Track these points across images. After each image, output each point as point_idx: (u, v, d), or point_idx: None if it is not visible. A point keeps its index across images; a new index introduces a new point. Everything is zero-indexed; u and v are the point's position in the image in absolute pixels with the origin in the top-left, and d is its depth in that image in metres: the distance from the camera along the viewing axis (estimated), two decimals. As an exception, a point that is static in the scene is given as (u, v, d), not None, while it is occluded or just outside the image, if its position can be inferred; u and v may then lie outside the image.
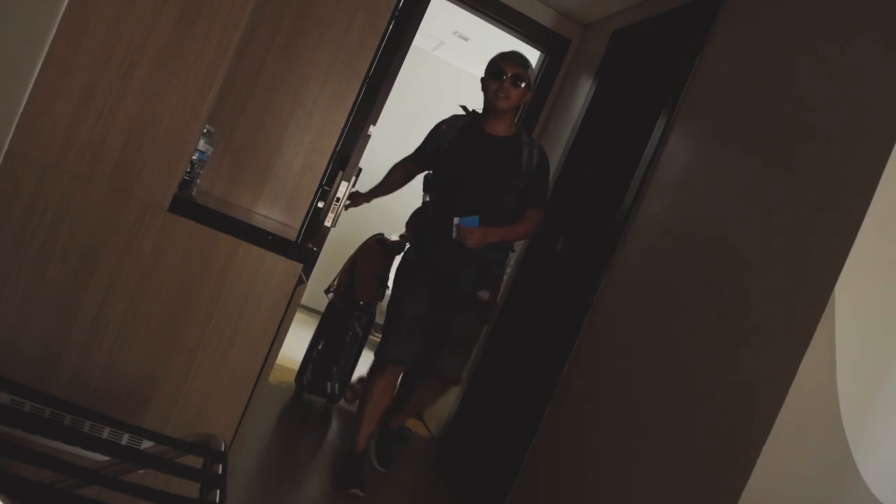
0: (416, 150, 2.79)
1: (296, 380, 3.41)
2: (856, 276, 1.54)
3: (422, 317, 2.60)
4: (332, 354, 3.37)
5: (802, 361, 1.54)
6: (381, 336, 2.70)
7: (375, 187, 2.89)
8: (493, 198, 2.56)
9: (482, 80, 2.62)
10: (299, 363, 3.40)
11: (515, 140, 2.61)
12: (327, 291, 3.50)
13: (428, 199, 2.75)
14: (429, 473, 3.13)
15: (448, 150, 2.61)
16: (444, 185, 2.63)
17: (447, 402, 3.41)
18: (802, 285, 1.62)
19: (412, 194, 5.74)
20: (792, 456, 1.56)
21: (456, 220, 2.44)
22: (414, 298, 2.61)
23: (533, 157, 2.60)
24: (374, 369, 2.69)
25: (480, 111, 2.68)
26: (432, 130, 2.73)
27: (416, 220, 3.09)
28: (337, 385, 3.38)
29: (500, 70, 2.54)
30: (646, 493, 1.86)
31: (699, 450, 1.73)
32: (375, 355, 2.64)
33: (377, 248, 3.47)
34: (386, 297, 3.49)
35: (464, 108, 2.76)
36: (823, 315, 1.54)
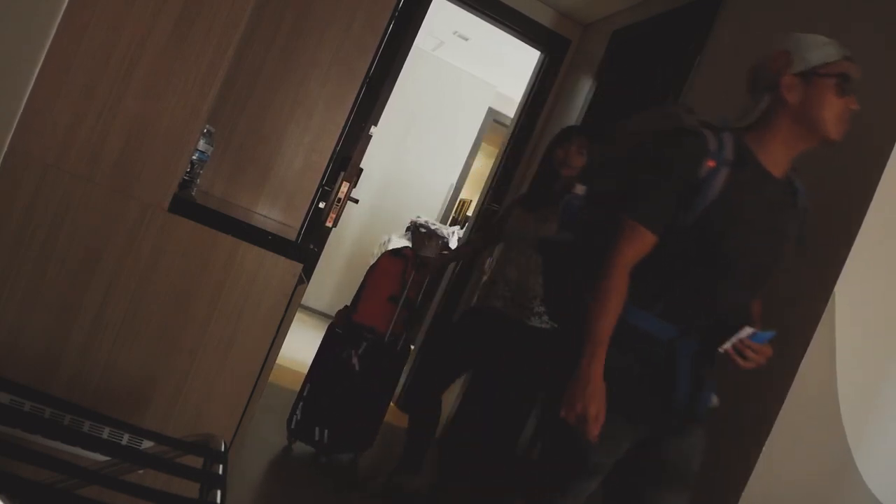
0: (654, 207, 1.43)
1: (287, 422, 2.83)
2: (856, 276, 1.54)
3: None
4: (321, 391, 2.74)
5: (802, 361, 1.54)
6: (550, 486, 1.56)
7: (605, 328, 1.41)
8: (762, 281, 1.51)
9: (813, 76, 1.42)
10: (301, 365, 3.29)
11: (789, 183, 1.50)
12: None
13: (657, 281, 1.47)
14: (430, 473, 3.12)
15: (722, 203, 1.41)
16: (710, 265, 1.44)
17: (448, 401, 3.41)
18: (802, 285, 1.62)
19: (414, 198, 5.78)
20: (792, 456, 1.56)
21: (749, 331, 1.43)
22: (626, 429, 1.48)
23: (805, 209, 1.52)
24: None
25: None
26: (688, 159, 1.42)
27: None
28: (327, 432, 2.69)
29: (850, 81, 1.43)
30: (646, 494, 1.86)
31: (699, 450, 1.73)
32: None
33: (392, 263, 2.85)
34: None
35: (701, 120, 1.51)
36: (823, 315, 1.54)
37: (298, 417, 2.74)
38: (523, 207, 2.53)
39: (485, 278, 2.61)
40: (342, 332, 2.77)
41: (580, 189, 1.59)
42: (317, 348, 2.86)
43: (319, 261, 3.35)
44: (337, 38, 2.16)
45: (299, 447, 2.82)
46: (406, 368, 3.93)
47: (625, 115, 2.34)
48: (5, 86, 1.23)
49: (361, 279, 2.92)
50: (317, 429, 2.70)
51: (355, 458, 2.82)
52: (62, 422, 1.37)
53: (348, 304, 2.90)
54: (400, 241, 5.04)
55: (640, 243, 1.44)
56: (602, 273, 1.43)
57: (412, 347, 4.82)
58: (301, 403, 2.76)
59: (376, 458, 2.96)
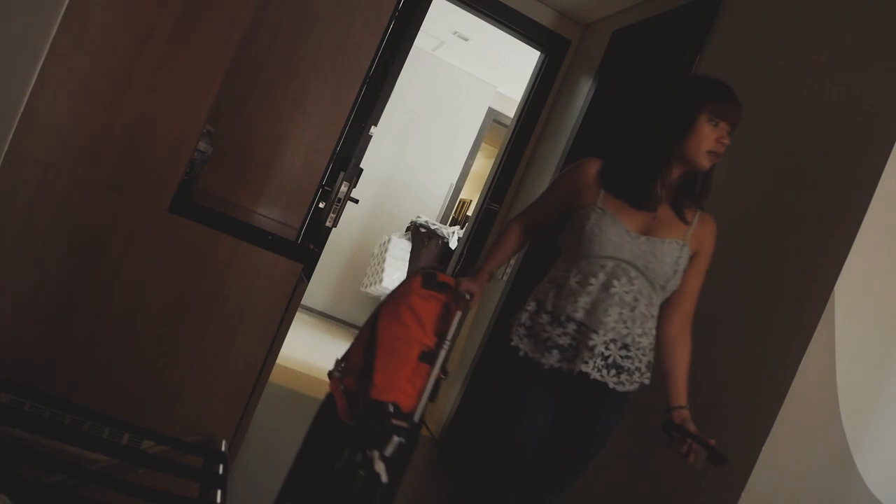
0: None
1: None
2: (856, 276, 1.54)
3: None
4: None
5: (802, 361, 1.54)
6: None
7: None
8: None
9: None
10: (301, 364, 3.22)
11: None
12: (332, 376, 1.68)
13: None
14: (430, 474, 3.13)
15: None
16: None
17: (448, 402, 3.41)
18: (802, 285, 1.62)
19: (414, 198, 5.78)
20: (792, 456, 1.56)
21: None
22: None
23: None
24: None
25: None
26: None
27: None
28: None
29: None
30: (646, 493, 1.86)
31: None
32: None
33: (428, 301, 1.67)
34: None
35: None
36: (823, 315, 1.54)
37: None
38: (623, 200, 1.62)
39: (530, 307, 1.66)
40: (357, 423, 1.58)
41: None
42: (298, 450, 1.70)
43: (319, 261, 3.35)
44: (337, 38, 2.16)
45: (294, 446, 1.69)
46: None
47: (624, 114, 2.34)
48: (5, 86, 1.23)
49: (370, 325, 1.67)
50: None
51: None
52: (62, 422, 1.37)
53: (336, 370, 1.66)
54: (400, 241, 5.03)
55: None
56: None
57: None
58: None
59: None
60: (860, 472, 1.55)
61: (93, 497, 1.04)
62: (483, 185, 4.06)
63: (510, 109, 5.01)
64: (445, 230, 5.14)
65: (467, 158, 5.86)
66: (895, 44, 1.63)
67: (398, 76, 3.12)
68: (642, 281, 1.58)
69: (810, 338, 1.54)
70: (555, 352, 1.60)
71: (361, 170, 3.07)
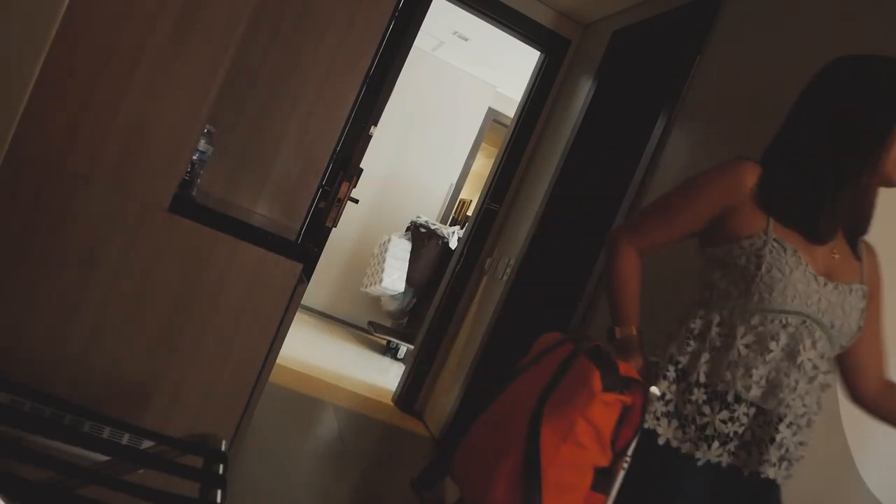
0: None
1: None
2: (856, 276, 1.54)
3: None
4: None
5: (802, 361, 1.53)
6: None
7: None
8: None
9: None
10: (301, 364, 3.23)
11: None
12: None
13: None
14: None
15: None
16: None
17: (448, 401, 3.41)
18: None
19: (414, 198, 5.78)
20: (792, 456, 1.56)
21: None
22: None
23: None
24: None
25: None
26: None
27: None
28: None
29: None
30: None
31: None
32: None
33: (609, 408, 1.18)
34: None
35: None
36: (823, 315, 1.53)
37: None
38: (792, 228, 1.24)
39: (669, 374, 1.28)
40: None
41: None
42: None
43: (319, 261, 3.35)
44: (337, 38, 2.16)
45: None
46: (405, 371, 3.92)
47: (625, 114, 2.34)
48: (5, 86, 1.23)
49: (524, 443, 1.17)
50: None
51: None
52: (62, 422, 1.37)
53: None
54: (400, 241, 5.03)
55: None
56: None
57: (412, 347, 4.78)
58: None
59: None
60: (860, 472, 1.55)
61: (93, 497, 1.04)
62: (483, 185, 4.07)
63: (510, 109, 5.01)
64: (445, 230, 5.14)
65: (467, 158, 5.87)
66: (895, 44, 1.63)
67: (398, 76, 3.12)
68: (825, 344, 1.22)
69: (810, 338, 1.54)
70: (716, 443, 1.21)
71: (361, 170, 3.06)
